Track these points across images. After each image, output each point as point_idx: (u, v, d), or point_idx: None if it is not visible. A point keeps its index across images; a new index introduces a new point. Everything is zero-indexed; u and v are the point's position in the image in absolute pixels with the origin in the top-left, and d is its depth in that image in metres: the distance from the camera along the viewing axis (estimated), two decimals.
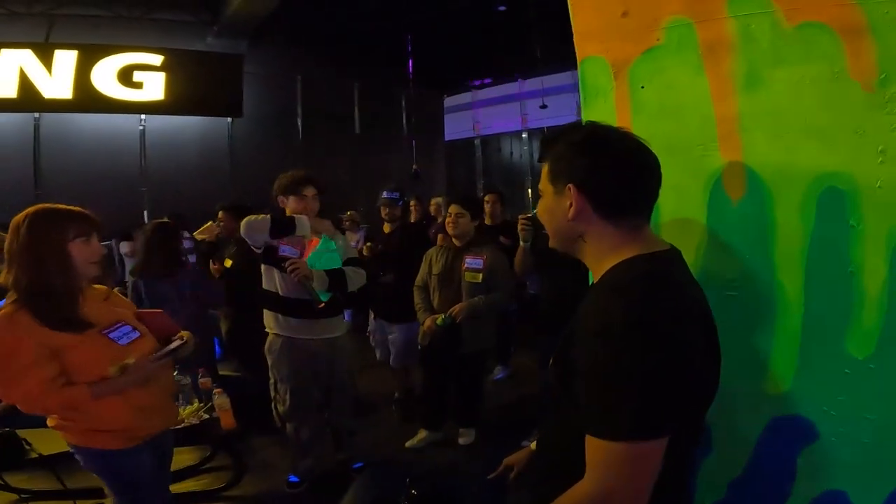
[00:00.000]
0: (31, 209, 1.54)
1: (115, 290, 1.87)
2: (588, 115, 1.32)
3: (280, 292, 2.57)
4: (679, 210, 1.22)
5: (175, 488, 2.61)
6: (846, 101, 0.99)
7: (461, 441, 3.19)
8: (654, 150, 1.23)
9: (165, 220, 3.73)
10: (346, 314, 5.20)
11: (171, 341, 1.73)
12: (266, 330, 2.68)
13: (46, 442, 2.29)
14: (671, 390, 0.81)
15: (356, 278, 2.61)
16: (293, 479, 2.78)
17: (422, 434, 3.25)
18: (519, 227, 2.71)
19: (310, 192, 2.56)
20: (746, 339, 1.17)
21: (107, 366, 1.54)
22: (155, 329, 1.77)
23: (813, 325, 1.10)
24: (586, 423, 0.84)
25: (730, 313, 1.19)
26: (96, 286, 1.70)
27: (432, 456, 3.12)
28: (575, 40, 1.31)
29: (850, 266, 1.04)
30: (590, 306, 0.90)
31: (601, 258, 0.95)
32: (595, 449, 0.83)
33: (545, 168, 0.98)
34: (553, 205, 0.96)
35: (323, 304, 2.46)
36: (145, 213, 8.06)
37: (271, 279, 2.60)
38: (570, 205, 0.92)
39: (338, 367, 2.74)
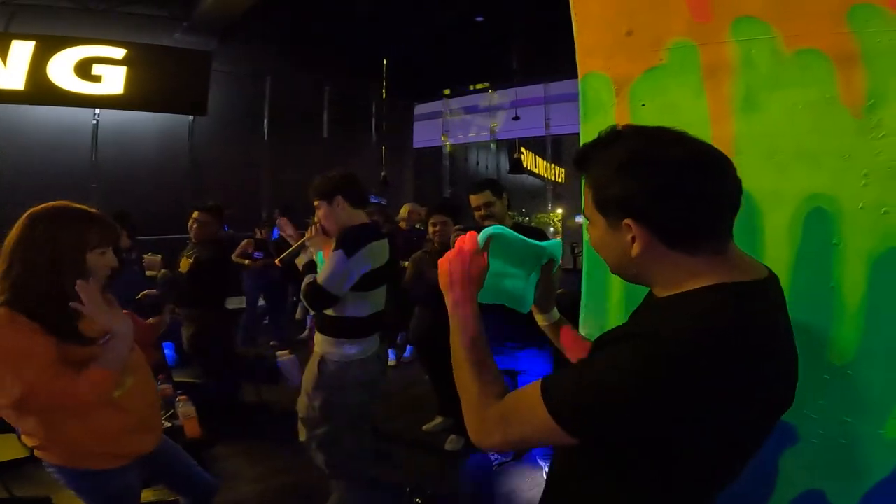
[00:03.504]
0: (49, 205, 1.40)
1: None
2: (588, 130, 1.36)
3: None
4: None
5: None
6: (836, 125, 1.06)
7: (447, 447, 3.20)
8: None
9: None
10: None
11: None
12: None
13: None
14: (644, 423, 0.73)
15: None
16: None
17: (437, 420, 3.48)
18: (453, 239, 2.45)
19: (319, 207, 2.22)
20: None
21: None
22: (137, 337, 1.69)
23: (797, 335, 1.16)
24: (547, 379, 0.81)
25: None
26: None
27: (420, 465, 3.12)
28: (577, 55, 1.35)
29: (831, 281, 1.11)
30: (645, 312, 0.86)
31: (678, 285, 0.81)
32: (531, 395, 0.79)
33: (588, 193, 0.85)
34: (610, 239, 0.83)
35: None
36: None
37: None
38: (633, 239, 0.79)
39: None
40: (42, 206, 1.40)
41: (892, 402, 1.07)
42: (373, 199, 3.38)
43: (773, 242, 1.16)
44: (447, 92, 11.77)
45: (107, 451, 1.49)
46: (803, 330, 1.15)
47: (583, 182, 0.88)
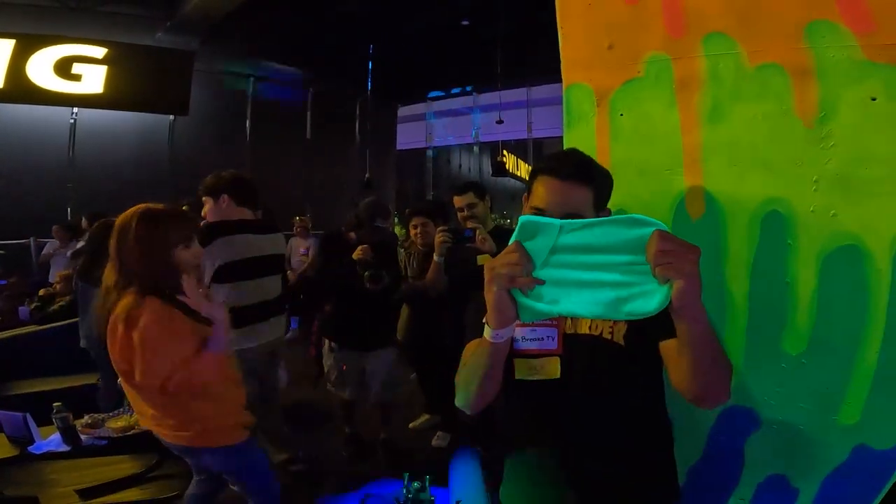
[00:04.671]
0: (137, 209, 1.56)
1: (41, 291, 1.91)
2: (570, 138, 1.46)
3: None
4: None
5: (118, 497, 2.50)
6: (790, 135, 1.16)
7: (434, 444, 3.25)
8: (629, 172, 1.37)
9: (112, 218, 3.56)
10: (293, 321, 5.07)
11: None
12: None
13: None
14: None
15: None
16: None
17: (424, 417, 3.53)
18: (438, 238, 2.43)
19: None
20: None
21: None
22: None
23: (756, 327, 1.27)
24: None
25: None
26: None
27: (408, 462, 3.11)
28: (562, 67, 1.44)
29: (786, 277, 1.22)
30: None
31: None
32: None
33: (590, 195, 1.01)
34: None
35: None
36: (68, 210, 7.63)
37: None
38: None
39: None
40: (129, 211, 1.58)
41: (844, 390, 1.17)
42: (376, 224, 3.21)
43: (734, 242, 1.27)
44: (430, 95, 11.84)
45: (237, 422, 1.68)
46: (761, 322, 1.26)
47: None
